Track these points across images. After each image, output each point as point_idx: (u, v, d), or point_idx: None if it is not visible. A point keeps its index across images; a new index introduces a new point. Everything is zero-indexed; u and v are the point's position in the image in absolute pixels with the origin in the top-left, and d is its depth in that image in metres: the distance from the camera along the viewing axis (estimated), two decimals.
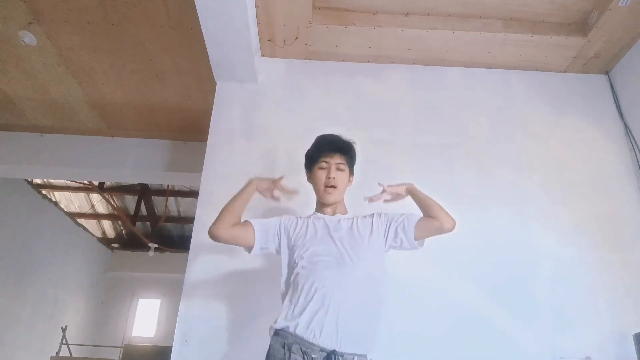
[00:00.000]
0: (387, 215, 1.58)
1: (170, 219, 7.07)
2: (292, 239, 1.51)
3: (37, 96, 3.49)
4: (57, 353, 5.65)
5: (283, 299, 1.44)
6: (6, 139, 3.93)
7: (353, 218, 1.56)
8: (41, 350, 5.96)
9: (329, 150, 1.57)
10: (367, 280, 1.41)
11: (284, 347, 1.28)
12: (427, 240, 2.30)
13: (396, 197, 1.65)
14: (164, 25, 2.75)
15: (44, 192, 5.98)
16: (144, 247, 7.16)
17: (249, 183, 1.62)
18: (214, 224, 1.51)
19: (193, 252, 2.19)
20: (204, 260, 2.18)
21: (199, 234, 2.23)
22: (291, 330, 1.30)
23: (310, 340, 1.27)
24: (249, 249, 1.53)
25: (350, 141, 1.62)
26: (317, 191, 1.59)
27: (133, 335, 7.90)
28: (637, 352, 1.95)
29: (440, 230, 1.52)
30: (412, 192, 1.64)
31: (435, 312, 2.09)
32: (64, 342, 5.87)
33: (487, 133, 2.54)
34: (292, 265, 1.46)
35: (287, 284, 1.45)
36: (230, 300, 2.09)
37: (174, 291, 7.54)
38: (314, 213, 1.62)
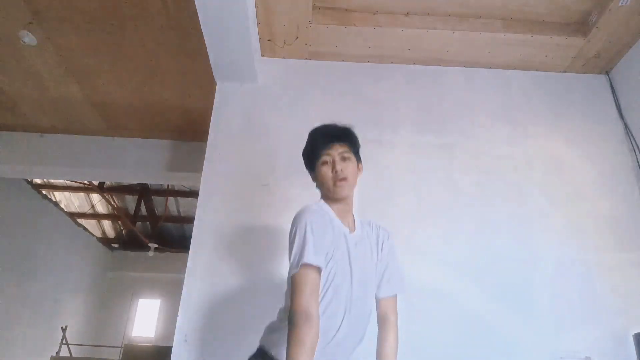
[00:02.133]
0: (390, 253, 1.46)
1: (170, 219, 7.07)
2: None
3: (37, 96, 3.48)
4: (57, 353, 5.66)
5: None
6: (6, 139, 3.93)
7: (362, 233, 1.42)
8: (41, 350, 5.96)
9: (327, 142, 1.40)
10: (366, 314, 1.35)
11: None
12: (427, 240, 2.30)
13: None
14: (164, 25, 2.75)
15: (44, 192, 5.98)
16: (144, 247, 7.16)
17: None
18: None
19: (193, 252, 2.19)
20: (204, 260, 2.18)
21: (199, 234, 2.24)
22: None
23: None
24: None
25: (347, 126, 1.46)
26: (326, 190, 1.39)
27: (133, 335, 7.90)
28: (637, 352, 1.95)
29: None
30: None
31: (435, 312, 2.09)
32: (64, 342, 5.87)
33: (487, 133, 2.54)
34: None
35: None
36: (230, 300, 2.09)
37: (174, 291, 7.51)
38: (322, 205, 1.40)
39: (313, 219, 1.25)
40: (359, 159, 1.47)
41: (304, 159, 1.49)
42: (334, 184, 1.35)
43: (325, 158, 1.39)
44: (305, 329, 1.08)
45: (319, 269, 1.19)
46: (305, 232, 1.22)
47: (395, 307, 1.41)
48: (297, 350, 1.05)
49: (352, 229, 1.40)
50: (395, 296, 1.42)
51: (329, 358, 1.19)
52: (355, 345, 1.31)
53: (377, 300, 1.41)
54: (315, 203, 1.38)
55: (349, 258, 1.30)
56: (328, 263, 1.24)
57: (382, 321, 1.38)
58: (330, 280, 1.24)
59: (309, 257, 1.17)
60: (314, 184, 1.48)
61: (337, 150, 1.39)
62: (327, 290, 1.23)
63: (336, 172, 1.35)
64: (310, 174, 1.48)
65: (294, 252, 1.21)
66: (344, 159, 1.39)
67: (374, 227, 1.48)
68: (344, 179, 1.35)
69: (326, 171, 1.37)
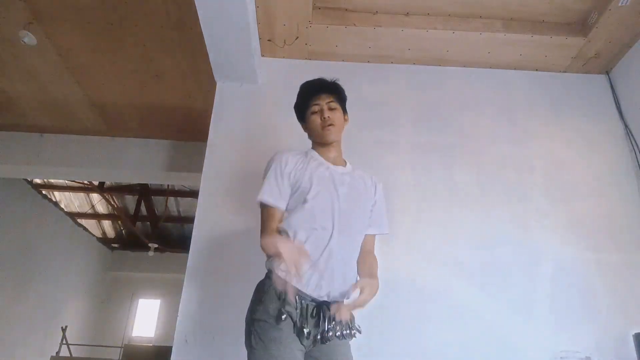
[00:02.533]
0: (380, 195, 1.60)
1: (170, 219, 7.08)
2: (294, 183, 1.45)
3: (37, 96, 3.49)
4: (57, 353, 5.66)
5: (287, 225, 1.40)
6: (6, 139, 3.93)
7: (353, 172, 1.56)
8: (41, 350, 5.96)
9: (316, 92, 1.56)
10: (357, 242, 1.47)
11: (279, 299, 1.30)
12: (427, 240, 2.30)
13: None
14: (164, 25, 2.75)
15: (44, 192, 5.99)
16: (144, 247, 7.16)
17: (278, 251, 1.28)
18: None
19: (193, 252, 2.19)
20: (204, 260, 2.18)
21: (199, 234, 2.24)
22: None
23: (305, 291, 1.30)
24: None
25: (335, 80, 1.61)
26: (316, 135, 1.56)
27: (133, 335, 7.91)
28: (637, 352, 1.95)
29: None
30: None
31: (435, 312, 2.09)
32: (64, 342, 5.87)
33: (487, 133, 2.54)
34: (295, 206, 1.43)
35: (289, 225, 1.40)
36: (230, 300, 2.09)
37: (174, 291, 7.54)
38: (309, 150, 1.58)
39: (278, 164, 1.47)
40: (344, 111, 1.63)
41: (296, 112, 1.65)
42: (322, 129, 1.52)
43: (314, 107, 1.55)
44: (273, 246, 1.27)
45: (274, 207, 1.42)
46: (268, 175, 1.46)
47: (373, 243, 1.58)
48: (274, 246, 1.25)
49: (343, 165, 1.58)
50: (375, 235, 1.58)
51: (322, 270, 1.32)
52: (347, 266, 1.41)
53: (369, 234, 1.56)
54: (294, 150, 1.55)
55: (334, 182, 1.47)
56: (311, 187, 1.42)
57: (362, 252, 1.51)
58: (313, 196, 1.41)
59: (263, 197, 1.42)
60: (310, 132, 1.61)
61: (325, 100, 1.55)
62: (313, 207, 1.39)
63: (324, 118, 1.52)
64: (302, 126, 1.64)
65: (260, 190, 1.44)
66: (331, 108, 1.55)
67: (367, 174, 1.63)
68: (332, 124, 1.51)
69: (315, 118, 1.54)
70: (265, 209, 1.44)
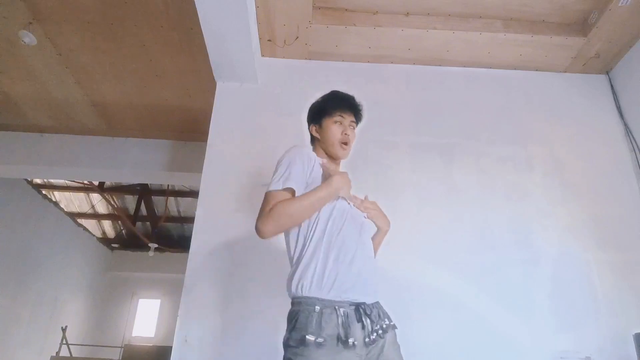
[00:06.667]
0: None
1: (170, 219, 7.07)
2: (310, 184, 1.40)
3: (37, 96, 3.49)
4: (57, 353, 5.66)
5: (299, 256, 1.31)
6: (6, 139, 3.94)
7: None
8: (41, 350, 5.96)
9: (346, 107, 1.56)
10: (369, 233, 1.47)
11: (316, 312, 1.20)
12: (427, 240, 2.31)
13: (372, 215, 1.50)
14: (164, 25, 2.75)
15: (44, 192, 5.99)
16: (144, 247, 7.16)
17: (330, 185, 1.34)
18: (264, 221, 1.28)
19: (193, 252, 2.19)
20: (204, 260, 2.18)
21: (199, 234, 2.24)
22: (320, 296, 1.22)
23: (340, 300, 1.22)
24: None
25: (361, 104, 1.63)
26: (329, 145, 1.51)
27: (133, 335, 7.91)
28: (637, 352, 1.95)
29: None
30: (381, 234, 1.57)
31: (435, 312, 2.09)
32: (64, 342, 5.87)
33: (487, 133, 2.54)
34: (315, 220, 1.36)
35: (306, 240, 1.32)
36: (230, 300, 2.09)
37: (174, 291, 7.55)
38: (316, 158, 1.49)
39: (295, 156, 1.41)
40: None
41: (314, 111, 1.60)
42: (339, 144, 1.50)
43: (338, 118, 1.53)
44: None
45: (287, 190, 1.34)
46: (293, 162, 1.40)
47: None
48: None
49: None
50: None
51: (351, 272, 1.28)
52: (365, 264, 1.35)
53: None
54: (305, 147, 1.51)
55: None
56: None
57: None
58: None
59: (288, 183, 1.34)
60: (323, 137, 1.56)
61: (350, 118, 1.55)
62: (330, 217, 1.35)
63: (346, 134, 1.51)
64: (313, 126, 1.59)
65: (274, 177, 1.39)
66: (352, 127, 1.56)
67: None
68: (348, 143, 1.52)
69: (336, 130, 1.52)
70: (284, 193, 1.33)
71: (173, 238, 7.67)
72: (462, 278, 2.15)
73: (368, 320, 1.22)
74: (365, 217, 1.46)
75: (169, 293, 7.89)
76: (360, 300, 1.25)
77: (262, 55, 2.69)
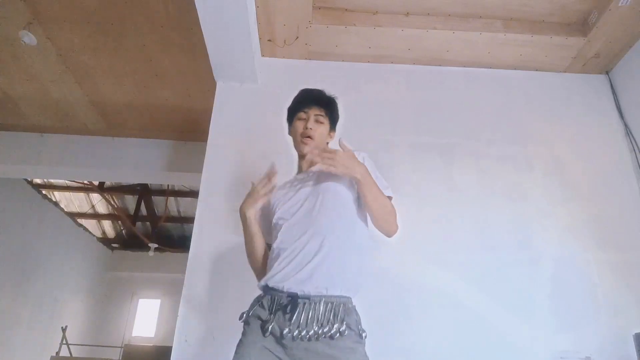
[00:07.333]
0: (371, 167, 1.52)
1: (170, 219, 7.08)
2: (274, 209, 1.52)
3: (37, 96, 3.49)
4: (57, 353, 5.67)
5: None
6: (6, 139, 3.94)
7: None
8: (41, 350, 5.96)
9: (309, 102, 1.54)
10: (337, 215, 1.37)
11: (257, 304, 1.32)
12: (427, 240, 2.29)
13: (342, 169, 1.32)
14: (164, 25, 2.75)
15: (44, 192, 5.99)
16: (144, 247, 7.17)
17: (242, 216, 1.57)
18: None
19: (193, 252, 2.19)
20: (204, 260, 2.18)
21: (199, 234, 2.23)
22: (263, 284, 1.33)
23: (280, 289, 1.26)
24: None
25: (333, 96, 1.58)
26: (295, 142, 1.56)
27: (133, 335, 7.91)
28: (637, 352, 1.95)
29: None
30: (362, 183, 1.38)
31: (435, 312, 2.09)
32: (64, 342, 5.88)
33: (487, 133, 2.54)
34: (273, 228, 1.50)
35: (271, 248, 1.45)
36: (230, 300, 2.09)
37: (174, 291, 7.55)
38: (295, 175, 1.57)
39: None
40: (332, 128, 1.59)
41: (287, 112, 1.63)
42: (301, 139, 1.50)
43: (302, 115, 1.53)
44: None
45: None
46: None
47: None
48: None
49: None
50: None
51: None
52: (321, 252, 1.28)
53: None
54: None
55: (295, 186, 1.49)
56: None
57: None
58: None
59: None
60: (293, 137, 1.60)
61: (315, 112, 1.53)
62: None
63: (306, 128, 1.49)
64: (288, 128, 1.62)
65: None
66: (318, 121, 1.52)
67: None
68: (309, 137, 1.48)
69: (299, 126, 1.52)
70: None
71: (173, 238, 7.68)
72: (462, 278, 2.15)
73: (280, 314, 1.22)
74: (320, 170, 1.32)
75: (169, 293, 7.90)
76: (293, 290, 1.23)
77: (262, 55, 2.68)
